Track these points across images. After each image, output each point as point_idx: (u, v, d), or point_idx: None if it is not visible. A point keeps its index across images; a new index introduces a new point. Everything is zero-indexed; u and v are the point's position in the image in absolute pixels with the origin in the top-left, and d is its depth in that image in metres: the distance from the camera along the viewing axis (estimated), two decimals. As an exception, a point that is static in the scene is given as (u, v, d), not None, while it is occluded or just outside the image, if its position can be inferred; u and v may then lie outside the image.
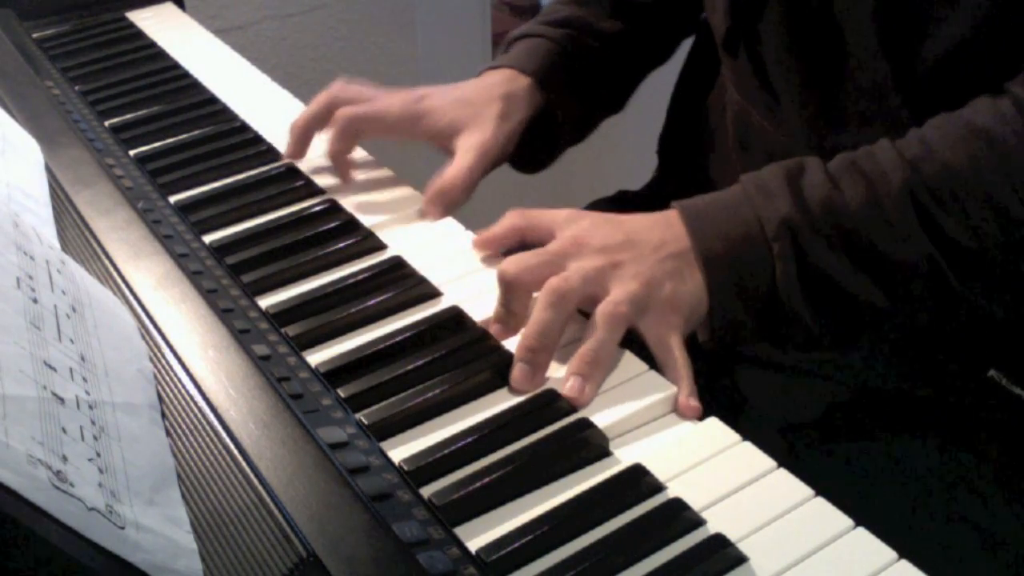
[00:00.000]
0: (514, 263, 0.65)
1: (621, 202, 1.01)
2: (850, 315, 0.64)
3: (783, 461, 0.55)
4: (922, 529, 0.68)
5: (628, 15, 0.91)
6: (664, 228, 0.66)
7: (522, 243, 0.69)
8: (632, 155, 1.49)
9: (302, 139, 0.84)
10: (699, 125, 0.92)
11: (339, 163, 0.82)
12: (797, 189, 0.64)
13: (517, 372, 0.61)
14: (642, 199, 1.01)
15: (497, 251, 0.72)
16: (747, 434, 0.57)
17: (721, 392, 0.75)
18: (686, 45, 0.99)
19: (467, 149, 0.80)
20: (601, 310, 0.62)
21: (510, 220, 0.71)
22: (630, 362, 0.62)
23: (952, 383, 0.74)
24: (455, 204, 0.78)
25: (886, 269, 0.63)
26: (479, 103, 0.82)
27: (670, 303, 0.63)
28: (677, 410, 0.59)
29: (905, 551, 0.49)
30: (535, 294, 0.63)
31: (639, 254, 0.64)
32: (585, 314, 0.63)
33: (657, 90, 1.02)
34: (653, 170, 1.04)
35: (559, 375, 0.61)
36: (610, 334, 0.61)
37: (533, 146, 0.86)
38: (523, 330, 0.62)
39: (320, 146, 0.88)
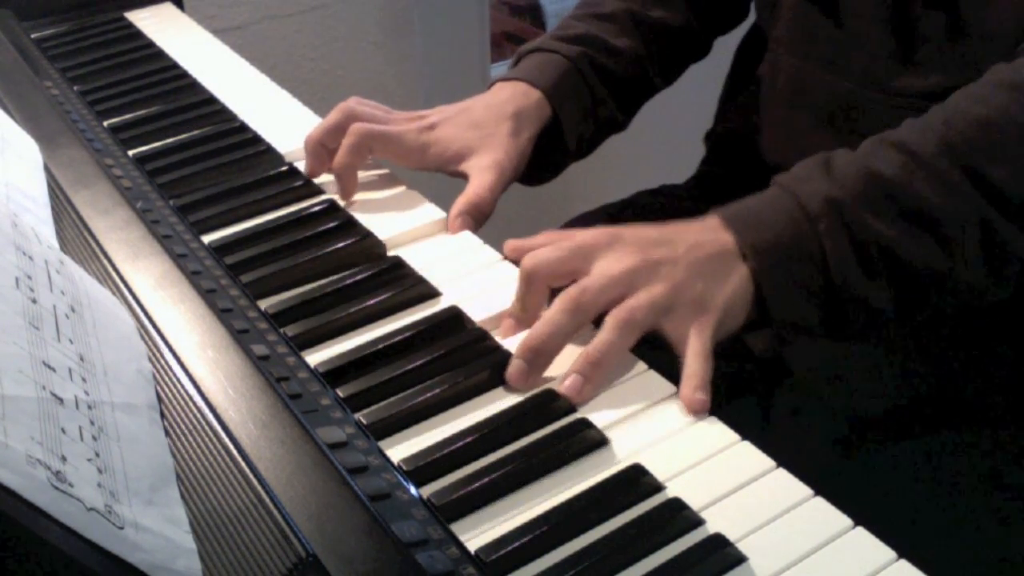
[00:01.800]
0: (535, 256, 0.64)
1: (665, 195, 1.02)
2: (914, 286, 0.63)
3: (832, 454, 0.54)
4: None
5: (645, 34, 0.91)
6: (702, 230, 0.64)
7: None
8: (674, 150, 1.49)
9: (318, 154, 0.82)
10: (752, 109, 0.92)
11: (347, 177, 0.80)
12: (831, 170, 0.63)
13: (514, 369, 0.60)
14: (686, 192, 1.02)
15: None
16: (788, 416, 0.56)
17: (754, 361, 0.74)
18: (733, 39, 1.00)
19: (484, 168, 0.79)
20: (615, 313, 0.61)
21: (547, 238, 0.68)
22: (630, 362, 0.62)
23: (994, 349, 0.73)
24: (483, 219, 0.77)
25: (938, 228, 0.62)
26: (490, 124, 0.82)
27: (699, 303, 0.61)
28: (681, 400, 0.58)
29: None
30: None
31: (674, 252, 0.62)
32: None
33: (694, 85, 1.03)
34: (695, 165, 1.05)
35: (559, 374, 0.61)
36: (619, 338, 0.60)
37: (538, 161, 0.86)
38: (531, 328, 0.61)
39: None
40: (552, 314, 0.61)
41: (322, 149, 0.81)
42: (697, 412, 0.58)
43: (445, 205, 0.79)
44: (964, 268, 0.63)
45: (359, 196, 0.80)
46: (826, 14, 0.79)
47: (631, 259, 0.62)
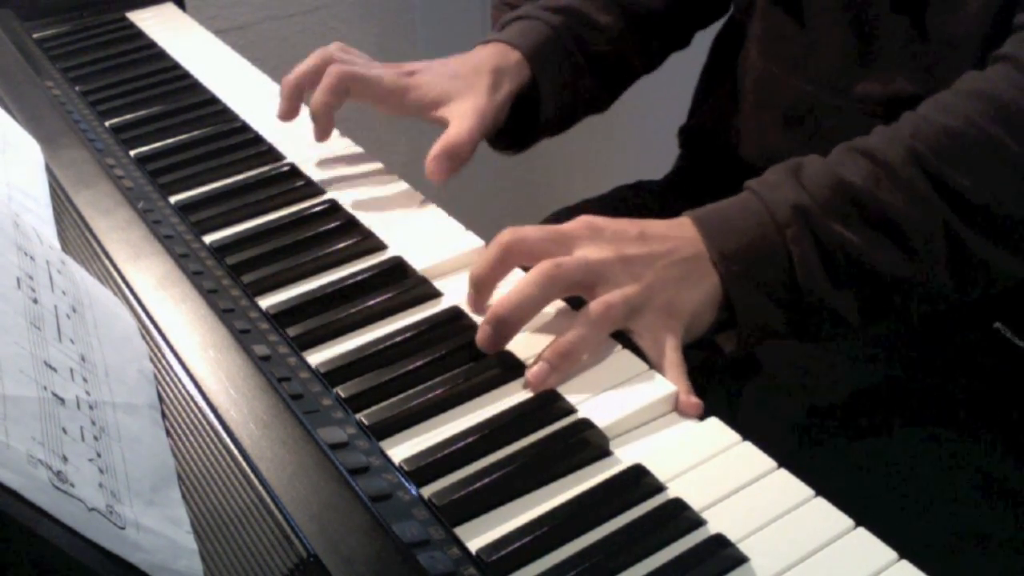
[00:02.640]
0: (516, 231, 0.64)
1: (641, 189, 1.03)
2: (879, 293, 0.64)
3: (794, 443, 0.54)
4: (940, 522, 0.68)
5: (627, 15, 0.92)
6: (677, 233, 0.65)
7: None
8: (650, 146, 1.49)
9: (293, 96, 0.83)
10: (723, 106, 0.93)
11: (322, 116, 0.81)
12: (800, 177, 0.64)
13: (482, 334, 0.61)
14: (662, 187, 1.02)
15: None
16: (755, 406, 0.57)
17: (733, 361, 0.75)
18: (708, 34, 1.00)
19: (463, 114, 0.80)
20: (591, 306, 0.61)
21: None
22: (630, 362, 0.62)
23: (958, 337, 0.74)
24: (461, 163, 0.78)
25: (903, 236, 0.62)
26: (469, 76, 0.83)
27: (668, 308, 0.62)
28: (678, 409, 0.59)
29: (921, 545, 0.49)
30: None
31: (649, 253, 0.63)
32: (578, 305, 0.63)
33: (673, 80, 1.03)
34: (673, 161, 1.05)
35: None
36: (592, 332, 0.61)
37: (513, 127, 0.87)
38: (502, 296, 0.62)
39: (319, 144, 0.88)
40: (523, 284, 0.62)
41: (297, 92, 0.82)
42: (694, 417, 0.58)
43: (445, 205, 0.79)
44: (930, 276, 0.63)
45: (360, 196, 0.80)
46: (791, 15, 0.80)
47: (608, 251, 0.63)
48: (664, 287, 0.62)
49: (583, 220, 0.65)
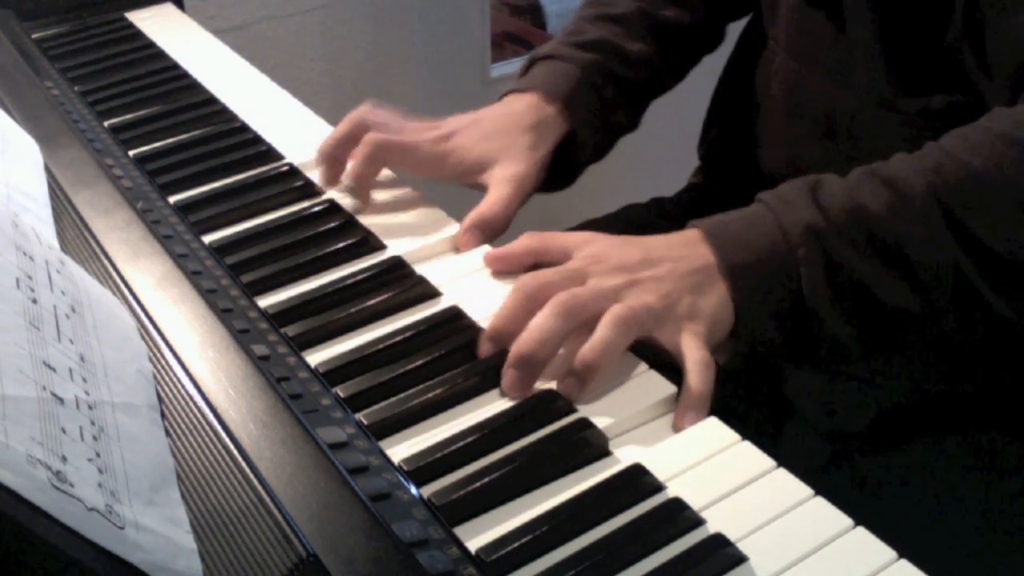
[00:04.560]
0: (535, 277, 0.63)
1: (656, 209, 1.01)
2: (881, 324, 0.63)
3: (828, 468, 0.53)
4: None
5: (657, 35, 0.89)
6: (684, 246, 0.65)
7: (535, 264, 0.68)
8: (661, 161, 1.48)
9: (333, 164, 0.80)
10: (747, 115, 0.91)
11: (361, 188, 0.79)
12: (817, 198, 0.63)
13: (509, 380, 0.60)
14: (679, 204, 1.01)
15: (507, 269, 0.70)
16: (793, 441, 0.56)
17: (764, 399, 0.74)
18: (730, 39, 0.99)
19: (502, 180, 0.78)
20: (613, 310, 0.60)
21: (525, 241, 0.70)
22: (630, 362, 0.62)
23: (990, 377, 0.73)
24: (495, 235, 0.76)
25: (913, 271, 0.61)
26: (509, 135, 0.80)
27: (690, 313, 0.62)
28: (678, 409, 0.58)
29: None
30: None
31: (658, 272, 0.63)
32: None
33: (690, 96, 1.02)
34: (685, 177, 1.03)
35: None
36: (617, 336, 0.60)
37: (554, 170, 0.84)
38: (521, 335, 0.60)
39: (316, 141, 0.88)
40: (541, 319, 0.60)
41: (335, 160, 0.80)
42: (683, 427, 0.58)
43: (445, 205, 0.79)
44: (933, 312, 0.63)
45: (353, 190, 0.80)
46: (829, 19, 0.77)
47: (614, 280, 0.62)
48: (680, 296, 0.62)
49: (586, 255, 0.65)
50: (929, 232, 0.61)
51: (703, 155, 1.02)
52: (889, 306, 0.62)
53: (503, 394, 0.60)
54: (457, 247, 0.74)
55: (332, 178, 0.81)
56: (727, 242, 0.64)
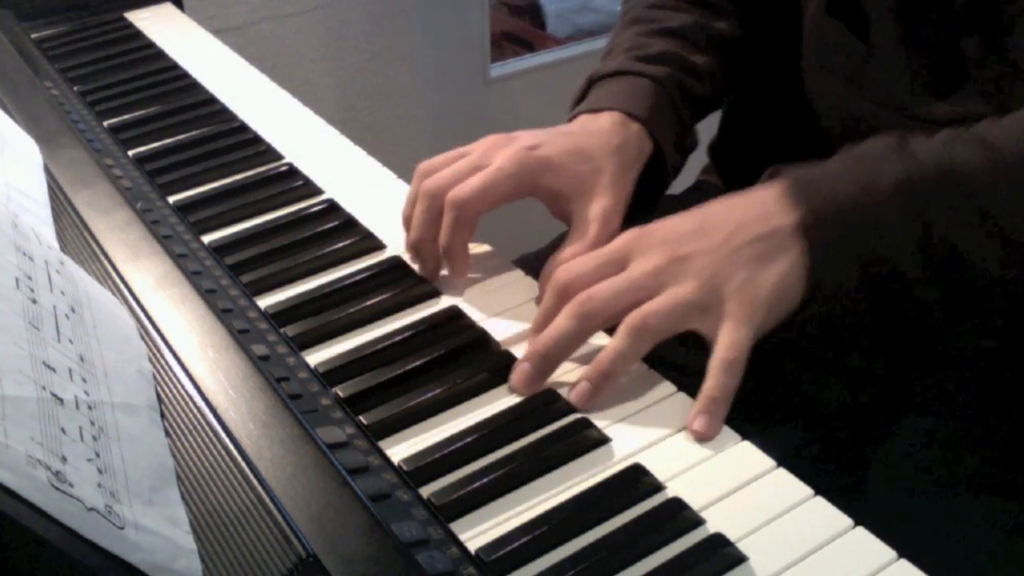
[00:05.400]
0: (567, 270, 0.61)
1: (664, 207, 0.97)
2: (968, 289, 0.60)
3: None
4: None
5: (715, 49, 0.84)
6: (750, 206, 0.60)
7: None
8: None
9: (426, 250, 0.69)
10: (763, 119, 0.89)
11: (457, 255, 0.68)
12: (908, 154, 0.60)
13: (519, 373, 0.59)
14: (687, 203, 0.96)
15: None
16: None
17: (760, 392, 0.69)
18: None
19: (591, 218, 0.69)
20: (628, 319, 0.58)
21: (625, 236, 0.63)
22: (629, 362, 0.62)
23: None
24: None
25: (1006, 236, 0.59)
26: (598, 157, 0.71)
27: (741, 295, 0.58)
28: (689, 425, 0.56)
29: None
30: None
31: (710, 243, 0.59)
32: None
33: None
34: (694, 174, 1.01)
35: (558, 373, 0.61)
36: (631, 347, 0.58)
37: (639, 195, 0.75)
38: (541, 333, 0.60)
39: (315, 141, 0.88)
40: (562, 319, 0.59)
41: (427, 243, 0.69)
42: (700, 438, 0.56)
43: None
44: (1017, 281, 0.60)
45: (358, 195, 0.80)
46: (849, 27, 0.75)
47: (656, 258, 0.59)
48: (733, 274, 0.58)
49: (631, 231, 0.61)
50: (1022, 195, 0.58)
51: (713, 158, 1.00)
52: (976, 269, 0.59)
53: (504, 393, 0.60)
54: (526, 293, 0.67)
55: (434, 267, 0.70)
56: (813, 193, 0.59)
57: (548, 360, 0.59)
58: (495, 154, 0.69)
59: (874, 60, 0.74)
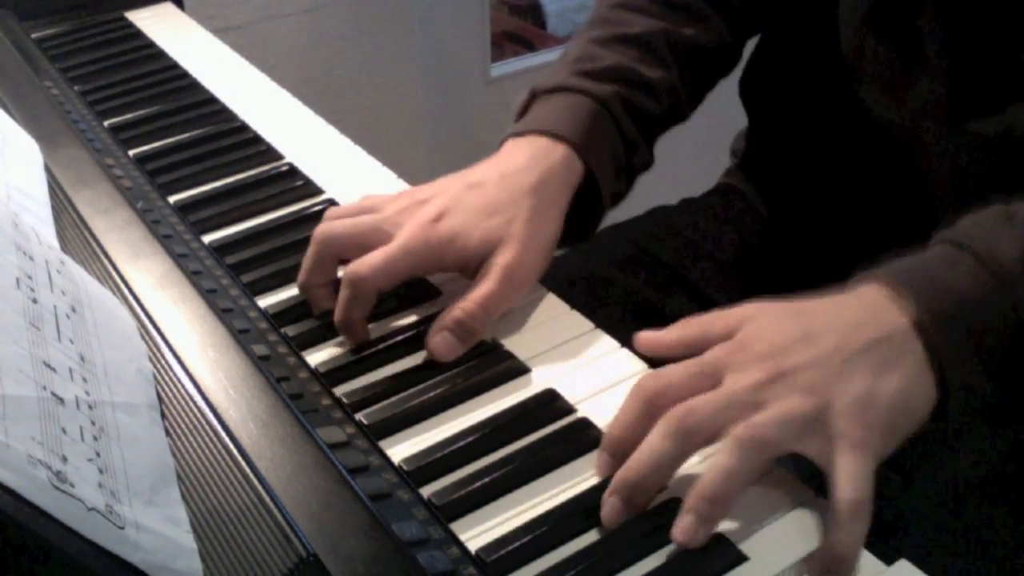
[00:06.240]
0: (656, 377, 0.54)
1: (686, 210, 0.95)
2: None
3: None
4: None
5: (679, 58, 0.78)
6: (861, 308, 0.54)
7: (693, 354, 0.56)
8: (690, 163, 1.46)
9: (318, 295, 0.67)
10: (792, 127, 0.85)
11: (355, 330, 0.64)
12: (1017, 226, 0.55)
13: (608, 509, 0.51)
14: (709, 206, 0.94)
15: (659, 355, 0.59)
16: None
17: None
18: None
19: (491, 270, 0.65)
20: (736, 431, 0.50)
21: (680, 330, 0.58)
22: (629, 361, 0.62)
23: None
24: (472, 338, 0.63)
25: None
26: (508, 207, 0.66)
27: (856, 413, 0.50)
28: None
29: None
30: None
31: (820, 351, 0.52)
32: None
33: (716, 95, 0.98)
34: (713, 177, 0.99)
35: (559, 374, 0.61)
36: (742, 463, 0.49)
37: (572, 221, 0.71)
38: (629, 458, 0.52)
39: (316, 141, 0.88)
40: (653, 440, 0.51)
41: (311, 288, 0.67)
42: None
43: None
44: None
45: (358, 195, 0.80)
46: (891, 39, 0.72)
47: (760, 372, 0.52)
48: (845, 388, 0.51)
49: (735, 340, 0.54)
50: None
51: (744, 159, 0.96)
52: None
53: (504, 393, 0.60)
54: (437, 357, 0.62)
55: (326, 306, 0.66)
56: (926, 289, 0.53)
57: (642, 490, 0.51)
58: (400, 220, 0.66)
59: (916, 72, 0.71)
